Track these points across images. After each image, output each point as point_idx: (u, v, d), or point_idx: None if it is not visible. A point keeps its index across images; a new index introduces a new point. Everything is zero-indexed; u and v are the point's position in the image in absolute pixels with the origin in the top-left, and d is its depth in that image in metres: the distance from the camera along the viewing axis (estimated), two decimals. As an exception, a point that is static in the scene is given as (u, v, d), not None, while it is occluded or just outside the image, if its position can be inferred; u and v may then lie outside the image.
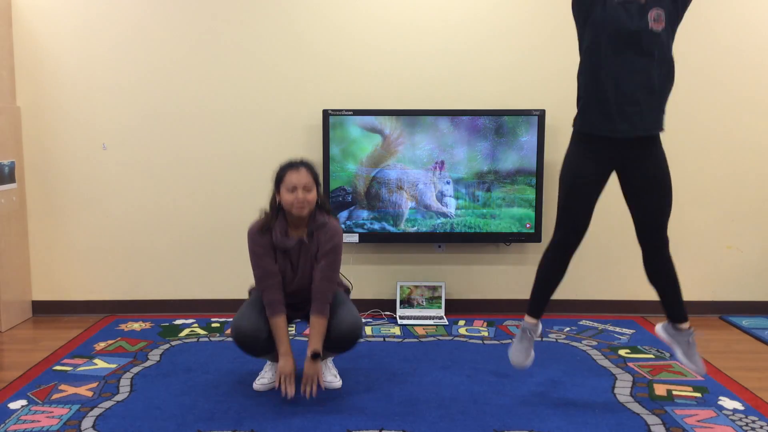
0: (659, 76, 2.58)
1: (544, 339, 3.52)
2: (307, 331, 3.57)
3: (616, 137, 2.59)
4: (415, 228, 3.90)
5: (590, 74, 2.60)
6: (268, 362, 2.95)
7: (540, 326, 2.87)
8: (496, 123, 3.83)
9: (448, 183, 3.86)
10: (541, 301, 2.82)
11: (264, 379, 2.90)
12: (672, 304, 2.75)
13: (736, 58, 3.95)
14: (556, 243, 2.73)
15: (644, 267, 2.75)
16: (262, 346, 2.77)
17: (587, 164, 2.66)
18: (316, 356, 2.69)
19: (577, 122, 2.71)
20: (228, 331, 3.66)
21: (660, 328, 2.86)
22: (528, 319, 2.84)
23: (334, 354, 2.92)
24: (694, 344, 2.75)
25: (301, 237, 2.76)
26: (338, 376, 2.94)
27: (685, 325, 2.75)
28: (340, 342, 2.77)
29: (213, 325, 3.79)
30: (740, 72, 3.96)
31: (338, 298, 2.82)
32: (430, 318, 3.90)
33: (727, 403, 2.77)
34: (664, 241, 2.70)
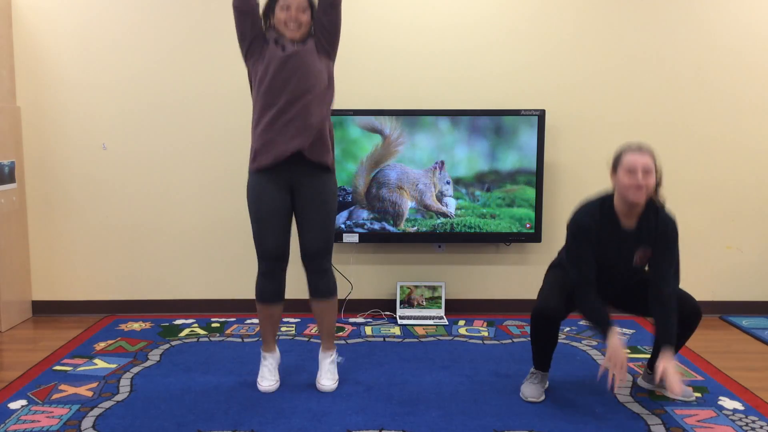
0: (640, 274, 2.76)
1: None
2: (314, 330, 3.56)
3: None
4: (415, 228, 3.90)
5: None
6: (264, 361, 2.94)
7: (547, 377, 2.88)
8: (496, 123, 3.83)
9: (448, 183, 3.86)
10: (543, 360, 2.84)
11: (268, 380, 2.88)
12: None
13: (736, 59, 3.95)
14: (535, 318, 2.76)
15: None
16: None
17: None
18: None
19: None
20: (228, 331, 3.67)
21: (641, 380, 2.95)
22: (539, 370, 2.86)
23: (320, 304, 2.90)
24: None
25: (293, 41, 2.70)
26: (335, 378, 2.91)
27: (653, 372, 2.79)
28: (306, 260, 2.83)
29: (213, 325, 3.79)
30: (740, 72, 3.96)
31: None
32: (430, 318, 3.90)
33: (727, 403, 2.77)
34: (699, 312, 2.73)
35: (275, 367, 2.94)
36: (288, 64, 2.66)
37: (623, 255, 2.66)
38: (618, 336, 2.62)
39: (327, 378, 2.89)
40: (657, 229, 2.60)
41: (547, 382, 2.89)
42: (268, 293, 2.85)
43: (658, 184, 2.60)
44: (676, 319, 2.60)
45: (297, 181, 2.75)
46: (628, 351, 2.69)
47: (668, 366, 2.52)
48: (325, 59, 2.75)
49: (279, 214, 2.76)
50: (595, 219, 2.63)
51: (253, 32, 2.71)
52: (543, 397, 2.79)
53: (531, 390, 2.79)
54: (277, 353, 2.98)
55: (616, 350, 2.57)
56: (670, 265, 2.62)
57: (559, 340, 3.50)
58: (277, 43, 2.70)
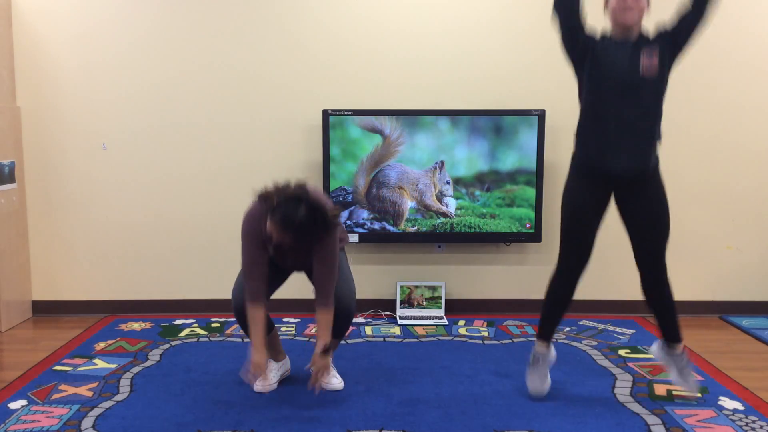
0: (652, 116, 2.63)
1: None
2: (312, 330, 3.57)
3: (613, 174, 2.64)
4: (415, 228, 3.90)
5: (586, 113, 2.67)
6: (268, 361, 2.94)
7: (553, 352, 2.86)
8: (496, 123, 3.83)
9: (448, 183, 3.86)
10: (550, 324, 2.83)
11: (264, 380, 2.88)
12: (667, 326, 2.79)
13: (736, 59, 3.95)
14: (563, 268, 2.74)
15: (641, 289, 2.78)
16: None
17: (586, 194, 2.70)
18: (326, 351, 2.69)
19: (575, 156, 2.75)
20: (228, 331, 3.67)
21: (655, 347, 2.91)
22: (539, 345, 2.84)
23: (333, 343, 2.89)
24: (687, 365, 2.79)
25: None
26: (339, 377, 2.93)
27: (679, 348, 2.78)
28: (334, 325, 2.73)
29: (213, 325, 3.79)
30: (740, 72, 3.96)
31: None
32: (430, 318, 3.90)
33: (727, 403, 2.77)
34: (662, 268, 2.71)
35: (279, 371, 2.95)
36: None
37: (628, 62, 2.55)
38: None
39: (333, 377, 2.90)
40: (657, 35, 2.57)
41: (552, 355, 2.85)
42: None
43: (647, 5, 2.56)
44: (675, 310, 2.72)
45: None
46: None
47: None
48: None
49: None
50: (594, 35, 2.60)
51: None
52: (547, 386, 2.79)
53: (534, 383, 2.79)
54: (282, 363, 2.99)
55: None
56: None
57: (559, 341, 3.53)
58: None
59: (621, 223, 2.75)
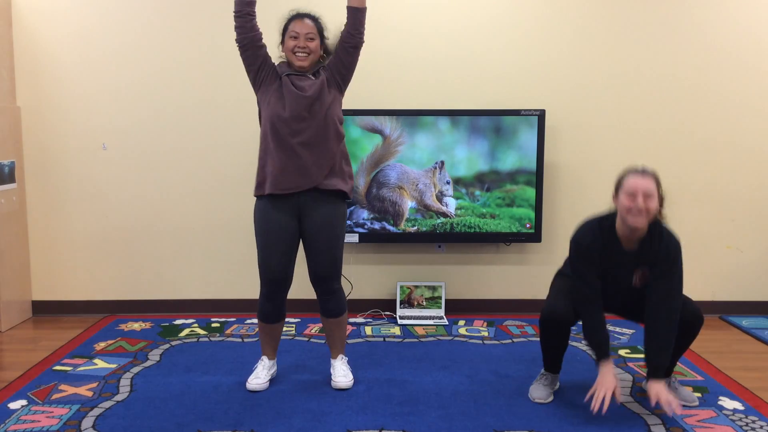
0: (641, 296, 2.69)
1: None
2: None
3: None
4: (415, 228, 3.90)
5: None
6: (261, 361, 2.95)
7: (558, 379, 2.88)
8: (496, 123, 3.83)
9: (448, 183, 3.86)
10: (553, 362, 2.83)
11: (258, 379, 2.89)
12: (669, 367, 2.77)
13: (736, 59, 3.95)
14: (543, 322, 2.72)
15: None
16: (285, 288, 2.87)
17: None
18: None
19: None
20: (228, 331, 3.67)
21: (645, 384, 2.90)
22: (547, 372, 2.86)
23: (331, 322, 2.94)
24: (676, 382, 2.81)
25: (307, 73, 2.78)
26: (349, 375, 2.92)
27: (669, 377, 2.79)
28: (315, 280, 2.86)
29: (213, 325, 3.79)
30: (740, 72, 3.96)
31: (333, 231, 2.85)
32: (430, 318, 3.90)
33: (727, 403, 2.77)
34: (700, 319, 2.71)
35: (270, 369, 2.95)
36: (301, 104, 2.68)
37: (623, 275, 2.64)
38: (611, 364, 2.61)
39: (341, 376, 2.91)
40: (659, 252, 2.57)
41: (558, 383, 2.88)
42: (270, 315, 2.88)
43: (661, 206, 2.57)
44: (673, 336, 2.57)
45: (306, 207, 2.76)
46: (619, 379, 2.68)
47: (660, 391, 2.51)
48: (335, 92, 2.80)
49: (285, 239, 2.77)
50: (596, 239, 2.61)
51: (257, 63, 2.78)
52: (551, 399, 2.79)
53: (539, 391, 2.79)
54: (274, 363, 3.00)
55: (607, 376, 2.56)
56: (671, 281, 2.57)
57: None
58: (289, 77, 2.73)
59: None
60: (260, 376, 2.91)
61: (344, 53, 2.77)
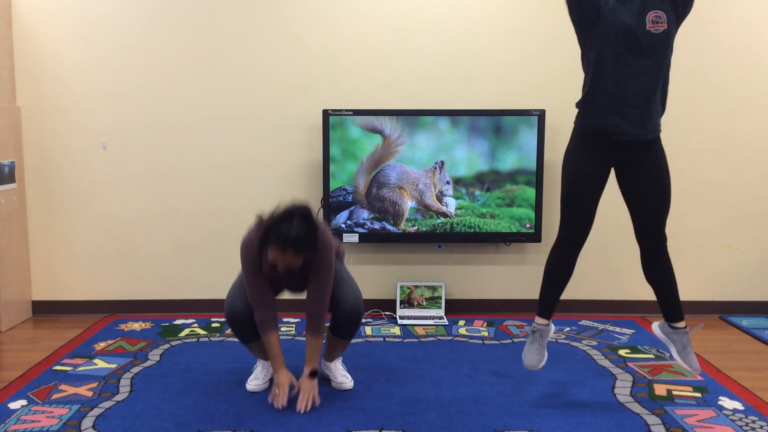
0: (657, 78, 2.60)
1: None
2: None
3: (616, 138, 2.60)
4: (415, 228, 3.90)
5: (593, 76, 2.62)
6: (260, 362, 2.95)
7: (552, 327, 2.83)
8: (496, 123, 3.83)
9: (448, 183, 3.86)
10: (550, 300, 2.80)
11: (257, 380, 2.90)
12: (668, 303, 2.76)
13: (736, 58, 3.95)
14: (562, 241, 2.73)
15: (642, 265, 2.76)
16: (253, 329, 2.76)
17: (587, 161, 2.67)
18: (314, 374, 2.73)
19: (579, 119, 2.72)
20: (228, 331, 3.67)
21: (656, 327, 2.87)
22: (538, 321, 2.82)
23: (340, 346, 2.92)
24: (689, 343, 2.76)
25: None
26: (349, 377, 2.93)
27: (681, 324, 2.76)
28: (344, 326, 2.78)
29: (213, 325, 3.79)
30: (740, 72, 3.96)
31: (337, 275, 2.79)
32: (430, 318, 3.90)
33: (727, 403, 2.77)
34: (662, 240, 2.71)
35: (270, 369, 2.94)
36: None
37: (634, 16, 2.51)
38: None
39: (343, 376, 2.92)
40: None
41: (552, 330, 2.82)
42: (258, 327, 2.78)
43: None
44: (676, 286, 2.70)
45: None
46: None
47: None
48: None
49: None
50: None
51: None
52: (543, 363, 2.78)
53: (531, 357, 2.77)
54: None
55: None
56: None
57: (559, 340, 3.53)
58: None
59: (622, 199, 2.74)
60: (259, 377, 2.91)
61: None
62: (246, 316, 2.75)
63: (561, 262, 2.74)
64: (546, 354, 2.81)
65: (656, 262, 2.72)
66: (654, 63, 2.57)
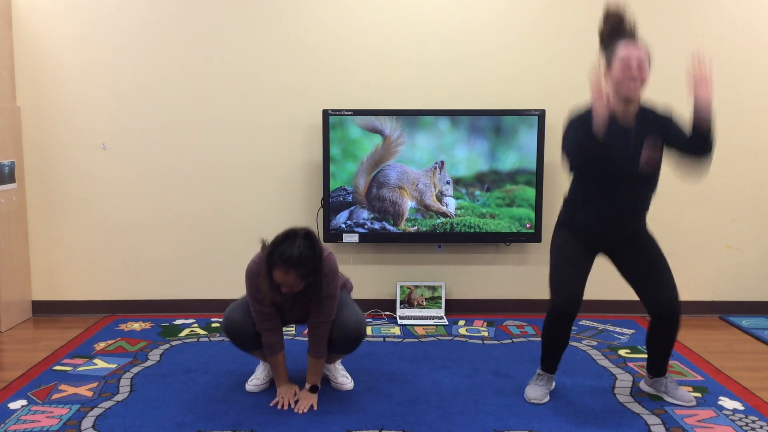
0: (648, 196, 2.66)
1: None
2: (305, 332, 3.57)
3: (600, 242, 2.70)
4: (415, 228, 3.90)
5: (580, 196, 2.67)
6: (261, 363, 2.96)
7: (554, 379, 2.87)
8: (496, 123, 3.83)
9: (448, 183, 3.86)
10: (552, 361, 2.82)
11: (257, 380, 2.90)
12: (661, 363, 2.79)
13: (736, 59, 3.95)
14: (558, 315, 2.68)
15: (648, 331, 2.76)
16: (251, 340, 2.76)
17: (574, 244, 2.70)
18: (314, 389, 2.76)
19: (564, 217, 2.75)
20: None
21: (642, 384, 2.92)
22: (543, 372, 2.85)
23: (340, 356, 2.93)
24: (673, 383, 2.81)
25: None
26: (349, 377, 2.94)
27: (664, 375, 2.81)
28: (344, 344, 2.78)
29: (213, 325, 3.78)
30: (740, 72, 3.96)
31: (341, 300, 2.81)
32: (430, 318, 3.90)
33: (727, 403, 2.77)
34: (678, 306, 2.66)
35: (270, 372, 2.94)
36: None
37: (629, 153, 2.52)
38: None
39: (343, 376, 2.92)
40: (658, 119, 2.55)
41: (554, 383, 2.88)
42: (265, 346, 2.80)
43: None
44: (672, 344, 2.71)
45: None
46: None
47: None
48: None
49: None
50: (590, 114, 2.47)
51: None
52: (547, 399, 2.78)
53: (535, 392, 2.78)
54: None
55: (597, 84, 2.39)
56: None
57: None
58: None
59: (624, 280, 2.76)
60: (260, 377, 2.92)
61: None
62: (244, 326, 2.75)
63: (561, 333, 2.73)
64: (549, 395, 2.82)
65: (667, 336, 2.70)
66: (646, 187, 2.62)
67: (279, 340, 2.76)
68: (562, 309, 2.64)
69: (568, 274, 2.67)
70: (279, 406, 2.70)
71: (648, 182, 2.61)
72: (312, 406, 2.70)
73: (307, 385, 2.76)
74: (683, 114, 2.60)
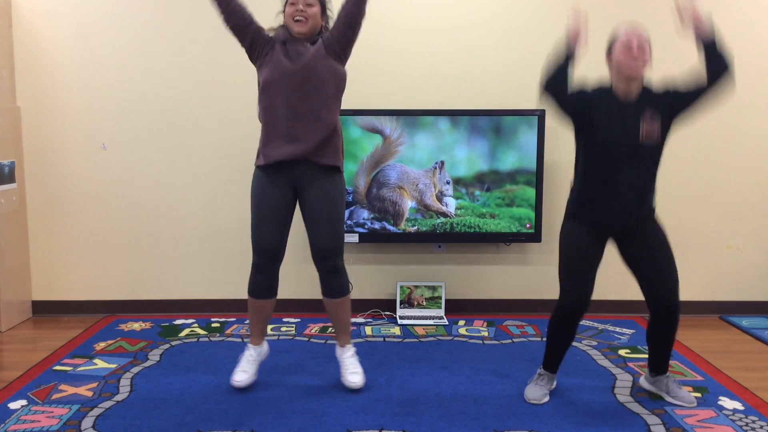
0: (652, 176, 2.65)
1: (543, 339, 3.52)
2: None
3: (608, 227, 2.69)
4: (415, 228, 3.90)
5: (584, 179, 2.68)
6: (247, 349, 2.93)
7: (555, 378, 2.88)
8: (496, 123, 3.83)
9: (448, 183, 3.86)
10: (555, 360, 2.83)
11: (245, 372, 2.86)
12: (661, 360, 2.80)
13: (736, 59, 3.94)
14: (567, 312, 2.68)
15: (648, 327, 2.77)
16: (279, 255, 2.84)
17: (583, 234, 2.70)
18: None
19: (572, 207, 2.75)
20: (228, 331, 3.67)
21: (643, 381, 2.92)
22: (544, 371, 2.85)
23: (330, 303, 2.92)
24: (675, 382, 2.81)
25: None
26: (359, 373, 2.90)
27: (665, 374, 2.82)
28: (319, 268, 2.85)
29: (213, 325, 3.79)
30: (740, 72, 3.94)
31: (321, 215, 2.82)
32: (430, 318, 3.90)
33: (727, 403, 2.77)
34: (677, 304, 2.66)
35: (256, 360, 2.93)
36: (296, 76, 2.67)
37: (628, 127, 2.54)
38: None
39: (352, 373, 2.90)
40: (660, 94, 2.57)
41: (555, 383, 2.88)
42: (259, 288, 2.85)
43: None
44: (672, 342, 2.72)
45: (302, 180, 2.75)
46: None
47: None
48: (334, 61, 2.75)
49: (278, 211, 2.77)
50: (592, 87, 2.59)
51: (247, 40, 2.76)
52: (546, 399, 2.78)
53: (535, 392, 2.78)
54: (263, 347, 2.98)
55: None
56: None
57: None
58: (285, 46, 2.71)
59: (629, 272, 2.75)
60: (246, 369, 2.88)
61: (344, 26, 2.70)
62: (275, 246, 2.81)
63: (569, 332, 2.73)
64: (548, 394, 2.82)
65: (666, 326, 2.70)
66: (645, 167, 2.62)
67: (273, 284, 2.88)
68: (572, 304, 2.65)
69: (577, 268, 2.68)
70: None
71: (648, 164, 2.60)
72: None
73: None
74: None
